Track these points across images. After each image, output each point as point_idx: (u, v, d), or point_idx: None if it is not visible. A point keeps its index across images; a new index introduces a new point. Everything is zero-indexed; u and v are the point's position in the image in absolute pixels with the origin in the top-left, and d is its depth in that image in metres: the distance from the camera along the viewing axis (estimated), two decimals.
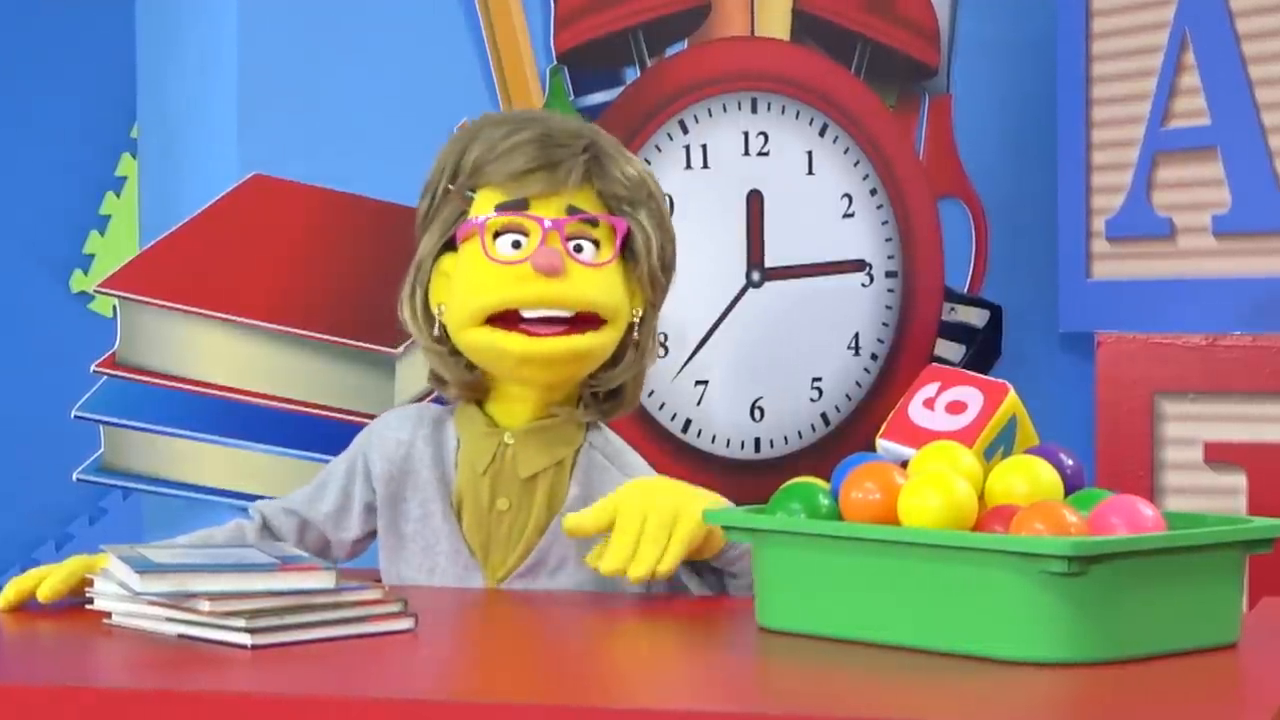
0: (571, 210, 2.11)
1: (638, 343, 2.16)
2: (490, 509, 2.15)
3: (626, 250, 2.14)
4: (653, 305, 2.18)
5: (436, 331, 2.15)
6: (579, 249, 2.11)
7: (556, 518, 2.14)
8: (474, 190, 2.13)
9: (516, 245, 2.10)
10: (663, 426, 2.96)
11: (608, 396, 2.19)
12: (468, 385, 2.17)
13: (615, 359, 2.16)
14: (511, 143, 2.10)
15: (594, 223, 2.12)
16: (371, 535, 2.22)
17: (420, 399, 2.73)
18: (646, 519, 1.97)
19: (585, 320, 2.11)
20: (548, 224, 2.09)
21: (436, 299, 2.15)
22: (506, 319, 2.10)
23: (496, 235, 2.11)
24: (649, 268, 2.14)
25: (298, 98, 2.81)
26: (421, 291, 2.16)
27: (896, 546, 1.68)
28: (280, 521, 2.20)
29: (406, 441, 2.18)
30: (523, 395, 2.16)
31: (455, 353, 2.16)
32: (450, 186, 2.14)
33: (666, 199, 2.18)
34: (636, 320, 2.16)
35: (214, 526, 2.21)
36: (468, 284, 2.11)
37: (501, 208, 2.11)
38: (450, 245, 2.15)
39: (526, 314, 2.09)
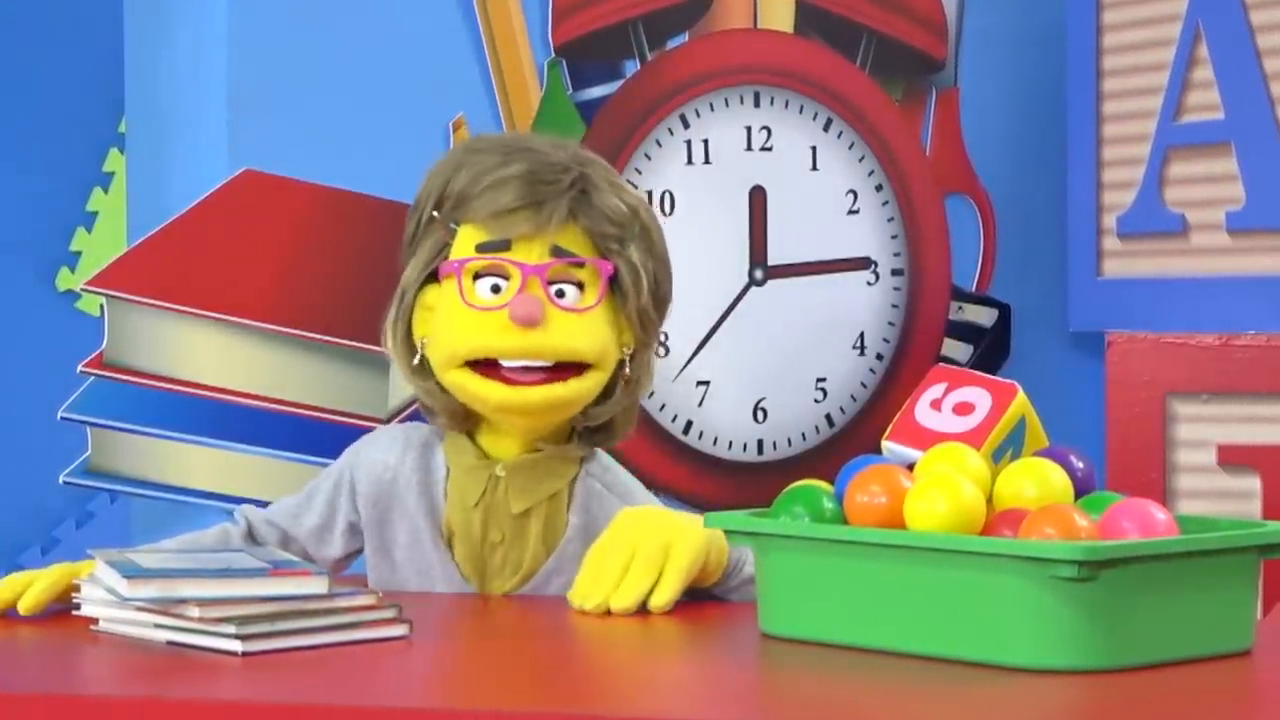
0: (556, 251, 2.05)
1: (628, 379, 2.12)
2: (483, 542, 2.12)
3: (615, 288, 2.09)
4: (643, 343, 2.13)
5: (417, 363, 2.11)
6: (561, 294, 2.06)
7: (558, 548, 2.11)
8: (457, 223, 2.08)
9: (496, 289, 2.06)
10: (663, 428, 2.95)
11: (598, 429, 2.15)
12: (454, 416, 2.13)
13: (605, 393, 2.12)
14: (496, 177, 2.05)
15: (579, 264, 2.07)
16: (353, 555, 2.20)
17: (414, 402, 2.71)
18: (635, 553, 1.95)
19: (567, 367, 2.06)
20: (529, 269, 2.04)
21: (420, 331, 2.11)
22: (486, 364, 2.06)
23: (477, 277, 2.06)
24: (638, 307, 2.09)
25: (290, 91, 2.80)
26: (404, 323, 2.12)
27: (902, 551, 1.67)
28: (263, 531, 2.18)
29: (393, 466, 2.15)
30: (511, 429, 2.12)
31: (440, 385, 2.12)
32: (435, 214, 2.09)
33: (661, 228, 2.14)
34: (626, 357, 2.11)
35: (199, 530, 2.18)
36: (446, 326, 2.08)
37: (483, 248, 2.06)
38: (434, 276, 2.11)
39: (505, 363, 2.05)
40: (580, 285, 2.07)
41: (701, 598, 2.06)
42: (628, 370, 2.11)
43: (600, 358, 2.07)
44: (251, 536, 2.17)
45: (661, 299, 2.13)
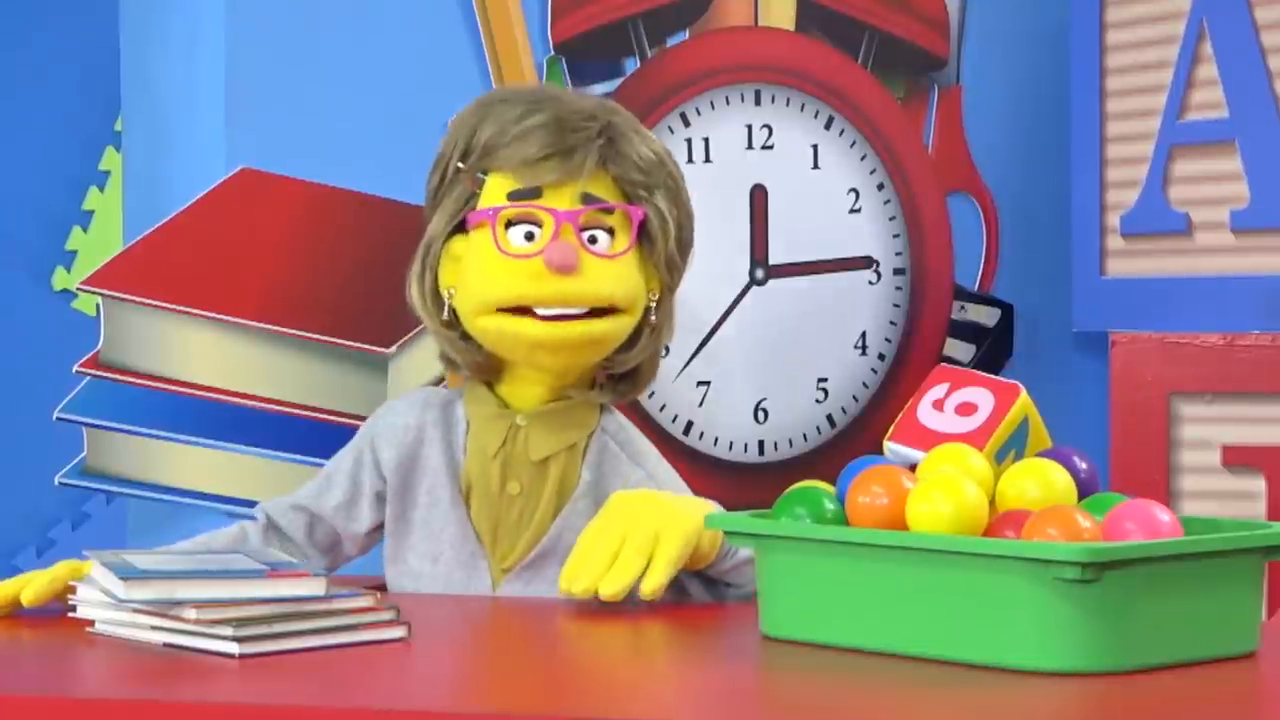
0: (586, 198, 2.08)
1: (654, 325, 2.14)
2: (501, 492, 2.13)
3: (643, 235, 2.11)
4: (669, 288, 2.15)
5: (446, 315, 2.13)
6: (593, 239, 2.08)
7: (568, 504, 2.12)
8: (485, 173, 2.08)
9: (529, 237, 2.08)
10: (664, 428, 2.95)
11: (623, 378, 2.18)
12: (479, 367, 2.15)
13: (631, 340, 2.14)
14: (524, 126, 2.07)
15: (609, 210, 2.07)
16: (382, 527, 2.19)
17: None
18: (625, 540, 1.95)
19: (599, 311, 2.08)
20: (562, 215, 2.05)
21: (446, 282, 2.13)
22: (519, 309, 2.07)
23: (509, 225, 2.07)
24: (666, 253, 2.12)
25: (287, 88, 2.80)
26: (431, 274, 2.14)
27: (904, 552, 1.67)
28: (288, 519, 2.18)
29: (415, 426, 2.17)
30: (536, 378, 2.14)
31: (466, 336, 2.13)
32: (461, 165, 2.10)
33: (684, 177, 2.17)
34: (653, 304, 2.12)
35: (216, 530, 2.20)
36: (479, 274, 2.09)
37: (514, 196, 2.08)
38: (460, 227, 2.11)
39: (540, 311, 2.06)
40: (611, 231, 2.09)
41: (695, 579, 2.06)
42: (653, 317, 2.13)
43: (632, 302, 2.10)
44: (273, 530, 2.17)
45: (685, 245, 2.16)
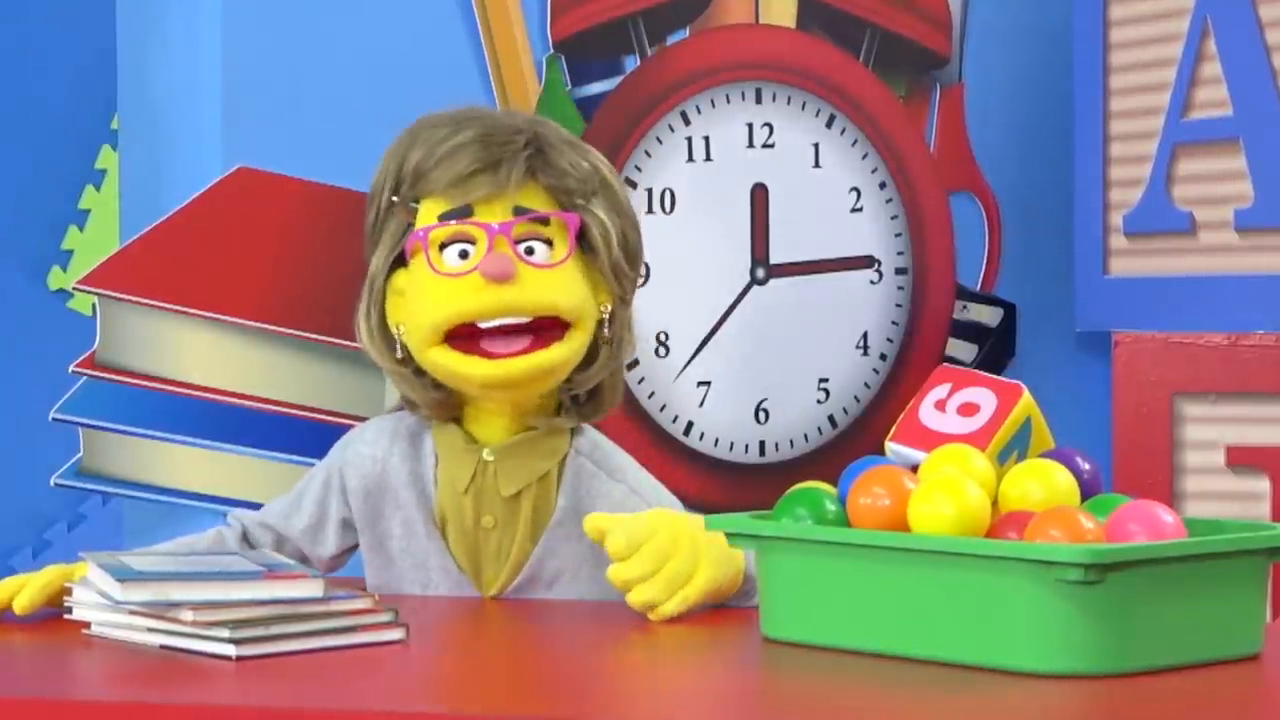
0: (519, 210, 2.04)
1: (609, 340, 2.10)
2: (475, 526, 2.11)
3: (584, 244, 2.07)
4: (622, 299, 2.12)
5: (399, 353, 2.10)
6: (530, 251, 2.04)
7: (547, 532, 2.10)
8: (417, 201, 2.06)
9: (464, 255, 2.04)
10: (664, 429, 2.94)
11: (586, 398, 2.14)
12: (439, 405, 2.12)
13: (589, 359, 2.10)
14: (450, 146, 2.04)
15: (545, 221, 2.05)
16: (349, 551, 2.20)
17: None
18: (667, 563, 1.91)
19: (547, 327, 2.05)
20: (494, 229, 2.02)
21: (394, 319, 2.10)
22: (465, 336, 2.04)
23: (443, 246, 2.05)
24: (610, 260, 2.08)
25: (284, 87, 2.81)
26: (377, 312, 2.11)
27: (906, 554, 1.66)
28: (257, 534, 2.18)
29: (382, 458, 2.14)
30: (497, 409, 2.11)
31: (420, 373, 2.10)
32: (394, 199, 2.08)
33: (626, 183, 2.15)
34: (605, 316, 2.09)
35: (194, 534, 2.18)
36: (419, 301, 2.06)
37: (445, 216, 2.05)
38: (402, 261, 2.09)
39: (483, 325, 2.03)
40: (549, 243, 2.06)
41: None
42: (607, 331, 2.09)
43: (578, 314, 2.06)
44: (246, 540, 2.16)
45: (633, 253, 2.12)
